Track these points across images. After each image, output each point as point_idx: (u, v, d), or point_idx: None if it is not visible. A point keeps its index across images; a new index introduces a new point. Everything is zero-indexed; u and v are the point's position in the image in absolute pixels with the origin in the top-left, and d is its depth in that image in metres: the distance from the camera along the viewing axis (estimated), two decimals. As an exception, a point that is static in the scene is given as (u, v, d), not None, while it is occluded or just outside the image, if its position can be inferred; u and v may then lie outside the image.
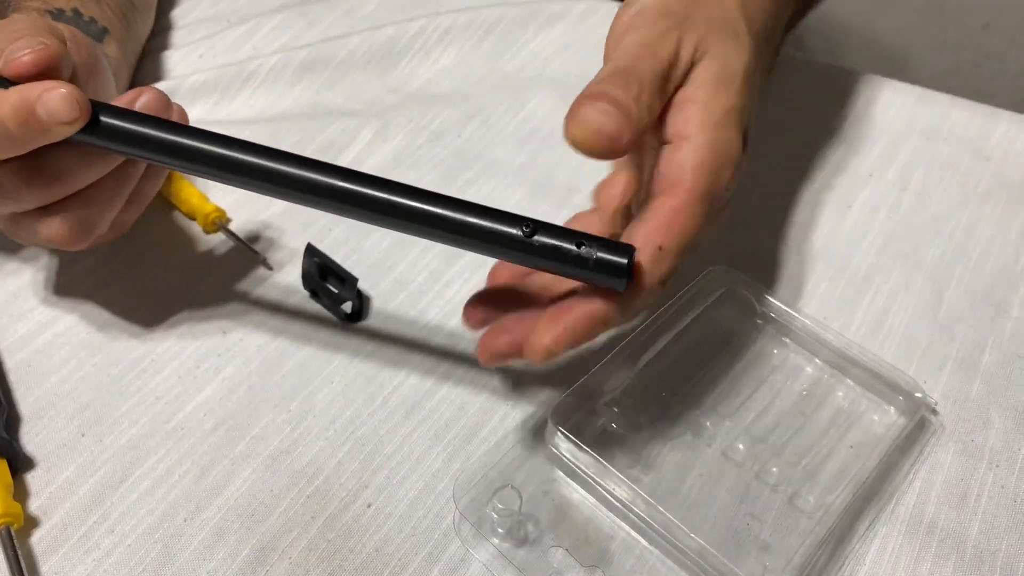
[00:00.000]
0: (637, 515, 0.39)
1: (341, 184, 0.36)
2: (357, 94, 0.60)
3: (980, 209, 0.53)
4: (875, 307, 0.48)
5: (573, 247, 0.34)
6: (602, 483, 0.39)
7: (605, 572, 0.38)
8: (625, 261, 0.34)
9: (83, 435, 0.43)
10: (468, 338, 0.47)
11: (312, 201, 0.37)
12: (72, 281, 0.50)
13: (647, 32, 0.37)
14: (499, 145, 0.57)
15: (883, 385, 0.44)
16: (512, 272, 0.41)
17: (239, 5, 0.67)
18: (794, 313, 0.46)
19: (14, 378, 0.45)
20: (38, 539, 0.40)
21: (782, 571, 0.37)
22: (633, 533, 0.39)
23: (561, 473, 0.41)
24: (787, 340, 0.46)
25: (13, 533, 0.39)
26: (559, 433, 0.40)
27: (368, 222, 0.37)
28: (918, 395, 0.42)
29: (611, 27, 0.39)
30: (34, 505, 0.41)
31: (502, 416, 0.44)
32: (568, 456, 0.40)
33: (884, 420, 0.43)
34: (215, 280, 0.50)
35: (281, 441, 0.43)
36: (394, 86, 0.61)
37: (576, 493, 0.40)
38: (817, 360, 0.45)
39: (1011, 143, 0.57)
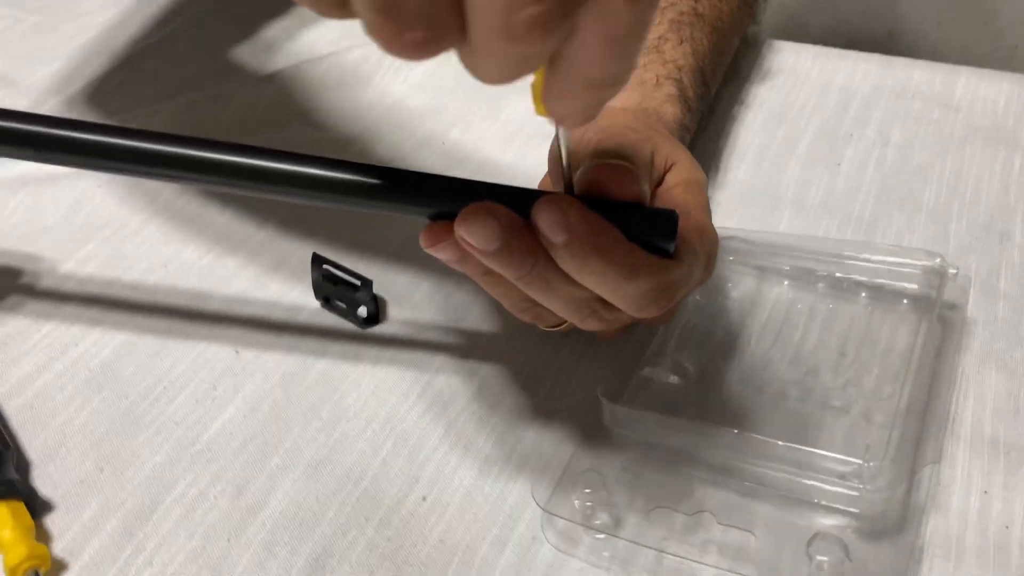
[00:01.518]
0: (721, 457, 0.37)
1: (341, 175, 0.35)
2: (332, 114, 0.60)
3: (961, 153, 0.55)
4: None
5: (615, 210, 0.33)
6: (671, 438, 0.38)
7: (713, 513, 0.36)
8: (674, 222, 0.33)
9: (101, 471, 0.40)
10: (493, 327, 0.46)
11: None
12: (65, 321, 0.47)
13: (623, 141, 0.38)
14: (485, 147, 0.57)
15: (899, 275, 0.44)
16: None
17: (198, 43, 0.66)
18: (787, 243, 0.46)
19: (16, 423, 0.42)
20: (69, 582, 0.36)
21: (879, 461, 0.35)
22: (723, 477, 0.38)
23: (626, 447, 0.39)
24: (790, 268, 0.46)
25: (43, 576, 0.35)
26: (615, 409, 0.38)
27: (408, 215, 0.35)
28: (952, 271, 0.43)
29: (575, 135, 0.39)
30: (58, 547, 0.37)
31: (546, 395, 0.42)
32: (629, 428, 0.39)
33: (912, 313, 0.43)
34: (219, 303, 0.48)
35: (318, 449, 0.41)
36: (368, 104, 0.60)
37: (646, 456, 0.39)
38: (837, 275, 0.45)
39: (975, 94, 0.59)
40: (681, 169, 0.39)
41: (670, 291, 0.34)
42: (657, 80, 0.47)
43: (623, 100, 0.45)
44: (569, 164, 0.33)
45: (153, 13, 0.70)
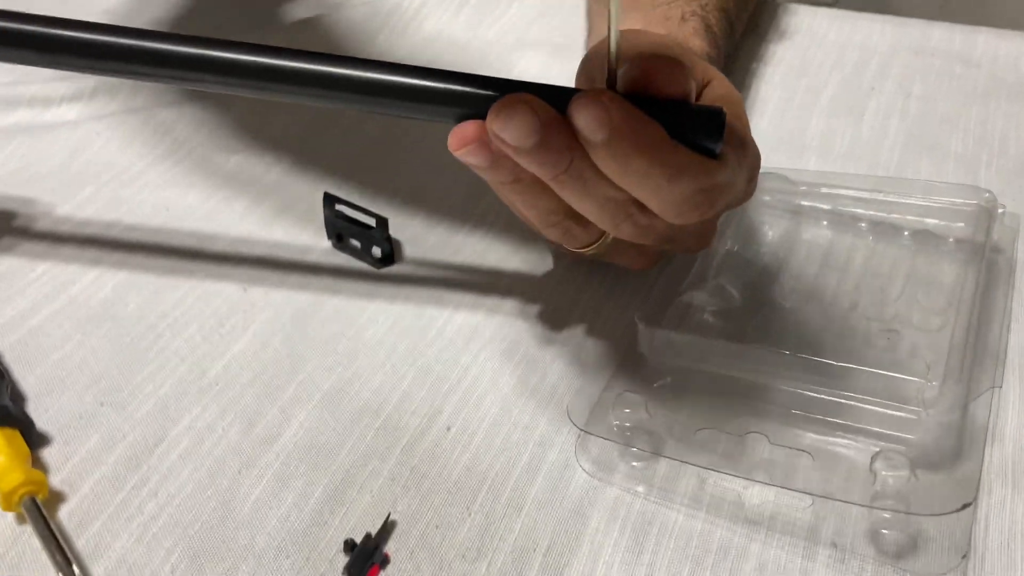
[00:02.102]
0: (769, 379, 0.35)
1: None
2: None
3: (986, 105, 0.54)
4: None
5: (659, 107, 0.32)
6: (716, 361, 0.36)
7: (765, 434, 0.34)
8: (721, 120, 0.32)
9: (101, 404, 0.38)
10: (512, 271, 0.44)
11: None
12: (62, 260, 0.44)
13: (663, 48, 0.37)
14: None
15: (944, 213, 0.43)
16: None
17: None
18: (830, 183, 0.45)
19: (10, 359, 0.39)
20: (67, 513, 0.34)
21: (941, 383, 0.33)
22: (770, 403, 0.35)
23: (664, 374, 0.37)
24: (832, 209, 0.44)
25: (40, 503, 0.33)
26: (654, 334, 0.36)
27: (435, 119, 0.33)
28: (1001, 209, 0.42)
29: (602, 60, 0.36)
30: (56, 479, 0.35)
31: (575, 326, 0.40)
32: (669, 355, 0.37)
33: (960, 249, 0.41)
34: (225, 243, 0.45)
35: (335, 381, 0.38)
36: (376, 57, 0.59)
37: (688, 380, 0.37)
38: (880, 214, 0.43)
39: (995, 52, 0.58)
40: (718, 86, 0.37)
41: (713, 195, 0.32)
42: (683, 16, 0.46)
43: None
44: (617, 57, 0.31)
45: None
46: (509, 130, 0.30)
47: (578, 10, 0.62)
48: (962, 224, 0.42)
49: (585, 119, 0.30)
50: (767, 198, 0.45)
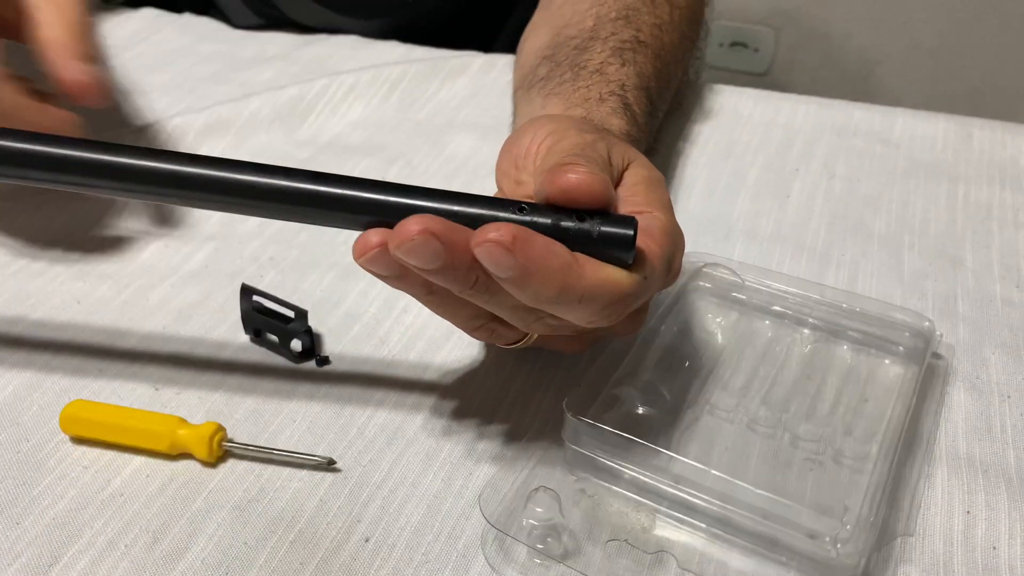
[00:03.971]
0: (684, 494, 0.34)
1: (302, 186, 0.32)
2: (265, 151, 0.57)
3: (906, 185, 0.55)
4: (843, 276, 0.48)
5: (573, 221, 0.31)
6: (634, 469, 0.35)
7: (674, 556, 0.33)
8: (631, 232, 0.31)
9: (-6, 521, 0.35)
10: (439, 363, 0.43)
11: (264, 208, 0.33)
12: (-41, 363, 0.42)
13: (577, 139, 0.36)
14: (429, 181, 0.54)
15: (885, 330, 0.42)
16: None
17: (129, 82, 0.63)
18: (775, 283, 0.44)
19: None
20: (-52, 648, 0.31)
21: (855, 525, 0.33)
22: (688, 516, 0.35)
23: (587, 469, 0.36)
24: (776, 308, 0.44)
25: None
26: (580, 425, 0.35)
27: (343, 227, 0.33)
28: (926, 324, 0.41)
29: (522, 143, 0.38)
30: (-62, 609, 0.32)
31: (503, 422, 0.39)
32: (592, 448, 0.36)
33: (895, 368, 0.41)
34: (136, 339, 0.43)
35: (247, 489, 0.36)
36: (303, 141, 0.58)
37: (608, 486, 0.36)
38: (811, 320, 0.43)
39: (913, 132, 0.60)
40: (639, 167, 0.37)
41: (625, 303, 0.32)
42: (601, 96, 0.45)
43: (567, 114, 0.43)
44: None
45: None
46: (411, 257, 0.30)
47: (507, 93, 0.62)
48: (901, 348, 0.42)
49: (486, 258, 0.30)
50: (709, 285, 0.45)
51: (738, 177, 0.55)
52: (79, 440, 0.38)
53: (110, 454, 0.38)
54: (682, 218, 0.36)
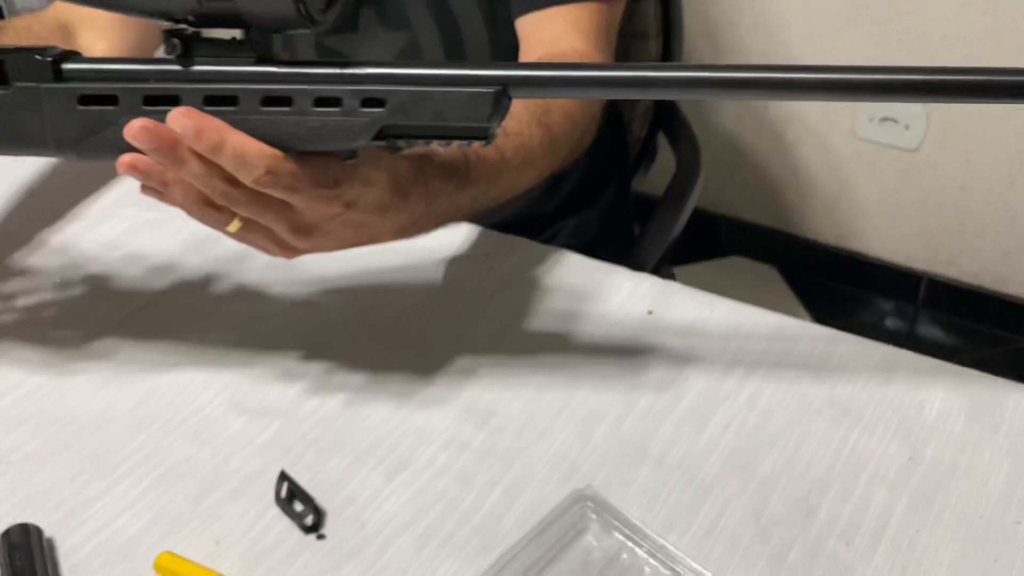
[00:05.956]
0: None
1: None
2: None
3: (811, 425, 0.66)
4: (711, 514, 0.61)
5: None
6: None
7: None
8: None
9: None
10: (402, 544, 0.62)
11: None
12: None
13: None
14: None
15: None
16: None
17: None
18: (644, 530, 0.59)
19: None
20: None
21: None
22: None
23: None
24: (641, 553, 0.58)
25: None
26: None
27: None
28: None
29: None
30: None
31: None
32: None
33: None
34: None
35: (250, 630, 0.58)
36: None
37: None
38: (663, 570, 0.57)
39: (845, 363, 0.70)
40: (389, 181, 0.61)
41: (271, 168, 0.54)
42: None
43: None
44: None
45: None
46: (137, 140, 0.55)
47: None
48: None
49: (176, 123, 0.54)
50: (593, 516, 0.60)
51: (677, 403, 0.69)
52: None
53: (181, 587, 0.60)
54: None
